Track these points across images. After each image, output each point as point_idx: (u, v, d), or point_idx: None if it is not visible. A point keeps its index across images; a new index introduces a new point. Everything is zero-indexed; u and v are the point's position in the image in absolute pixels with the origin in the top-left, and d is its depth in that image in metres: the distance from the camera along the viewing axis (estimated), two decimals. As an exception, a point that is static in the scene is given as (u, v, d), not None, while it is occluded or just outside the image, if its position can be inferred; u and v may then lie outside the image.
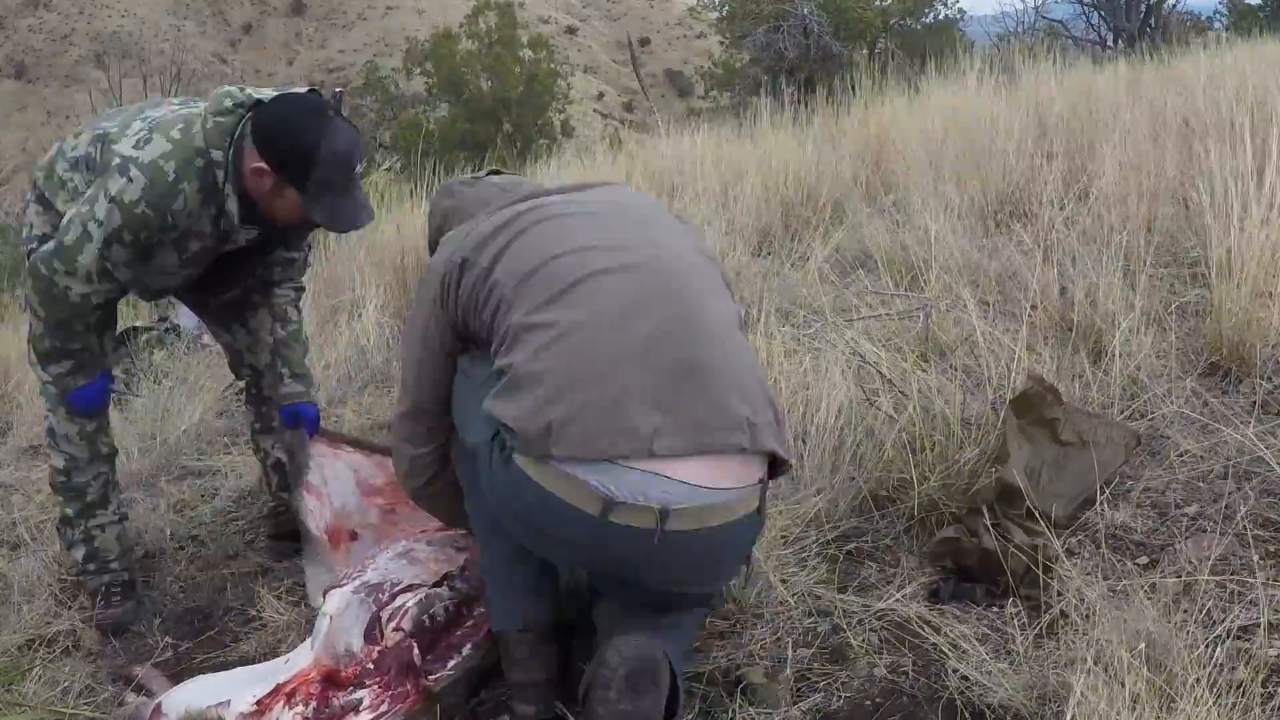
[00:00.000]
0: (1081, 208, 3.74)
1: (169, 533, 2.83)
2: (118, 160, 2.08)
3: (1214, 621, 1.69)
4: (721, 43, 21.95)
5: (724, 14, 19.86)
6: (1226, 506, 2.05)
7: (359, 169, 2.10)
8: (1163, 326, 2.71)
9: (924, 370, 2.54)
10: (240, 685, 1.84)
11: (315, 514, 2.32)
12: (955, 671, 1.72)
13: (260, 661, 2.13)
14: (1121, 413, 2.45)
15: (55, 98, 62.33)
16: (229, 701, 1.79)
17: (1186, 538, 2.00)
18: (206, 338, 4.58)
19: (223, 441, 3.53)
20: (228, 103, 2.09)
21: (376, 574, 1.94)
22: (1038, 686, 1.63)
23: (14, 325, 5.43)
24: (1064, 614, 1.75)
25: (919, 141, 4.93)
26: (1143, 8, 15.95)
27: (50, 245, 2.13)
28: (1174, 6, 16.39)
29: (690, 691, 1.81)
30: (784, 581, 2.08)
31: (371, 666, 1.79)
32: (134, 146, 2.08)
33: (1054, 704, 1.57)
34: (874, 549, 2.19)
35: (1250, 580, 1.80)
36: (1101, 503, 2.12)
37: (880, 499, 2.30)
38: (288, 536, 2.60)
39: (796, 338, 3.07)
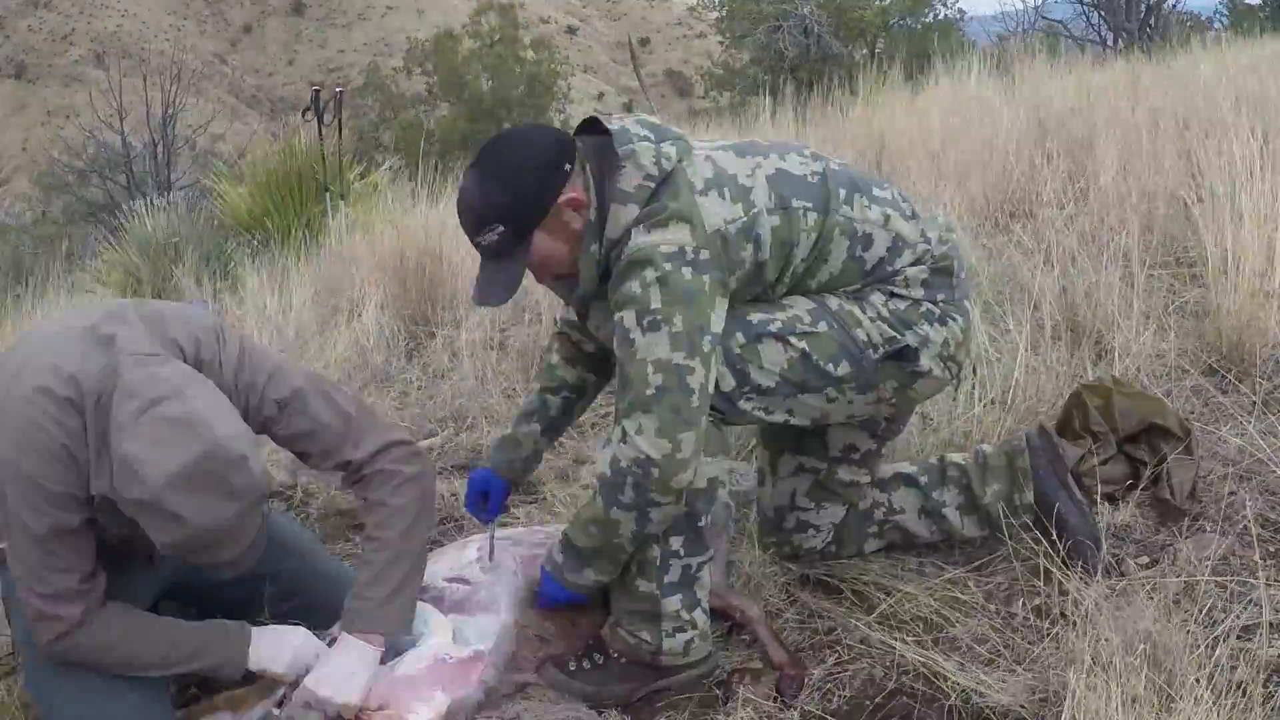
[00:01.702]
0: (1081, 208, 3.74)
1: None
2: None
3: (1214, 621, 1.69)
4: (721, 43, 21.94)
5: (724, 14, 19.85)
6: (1227, 506, 2.05)
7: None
8: (1163, 326, 2.71)
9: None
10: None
11: None
12: (956, 672, 1.72)
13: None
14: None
15: (55, 98, 62.33)
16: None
17: (1186, 538, 2.00)
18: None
19: (222, 441, 3.52)
20: None
21: None
22: (1038, 687, 1.63)
23: (13, 326, 5.43)
24: (1064, 614, 1.75)
25: (919, 141, 4.93)
26: (1143, 7, 15.95)
27: None
28: (1174, 6, 16.40)
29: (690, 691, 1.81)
30: (785, 583, 2.08)
31: None
32: None
33: (1054, 704, 1.57)
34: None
35: (1251, 580, 1.80)
36: (1102, 502, 2.12)
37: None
38: None
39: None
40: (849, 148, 5.34)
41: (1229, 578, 1.83)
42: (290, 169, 6.87)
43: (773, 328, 1.72)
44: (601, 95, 68.81)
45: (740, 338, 1.71)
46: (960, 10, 20.60)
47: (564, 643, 1.91)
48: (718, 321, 1.66)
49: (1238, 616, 1.70)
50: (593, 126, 1.81)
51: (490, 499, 2.05)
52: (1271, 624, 1.66)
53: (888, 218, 1.78)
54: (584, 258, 1.74)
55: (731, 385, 1.71)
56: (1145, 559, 1.98)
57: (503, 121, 24.97)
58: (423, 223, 4.54)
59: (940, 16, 20.11)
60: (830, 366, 1.73)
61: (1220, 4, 19.92)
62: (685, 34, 75.00)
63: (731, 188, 1.71)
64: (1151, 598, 1.71)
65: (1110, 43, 15.51)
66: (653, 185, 1.70)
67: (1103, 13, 16.24)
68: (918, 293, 1.78)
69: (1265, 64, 6.29)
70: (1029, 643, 1.77)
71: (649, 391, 1.62)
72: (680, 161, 1.72)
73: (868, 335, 1.75)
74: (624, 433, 1.64)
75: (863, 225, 1.76)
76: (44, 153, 26.40)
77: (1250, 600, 1.76)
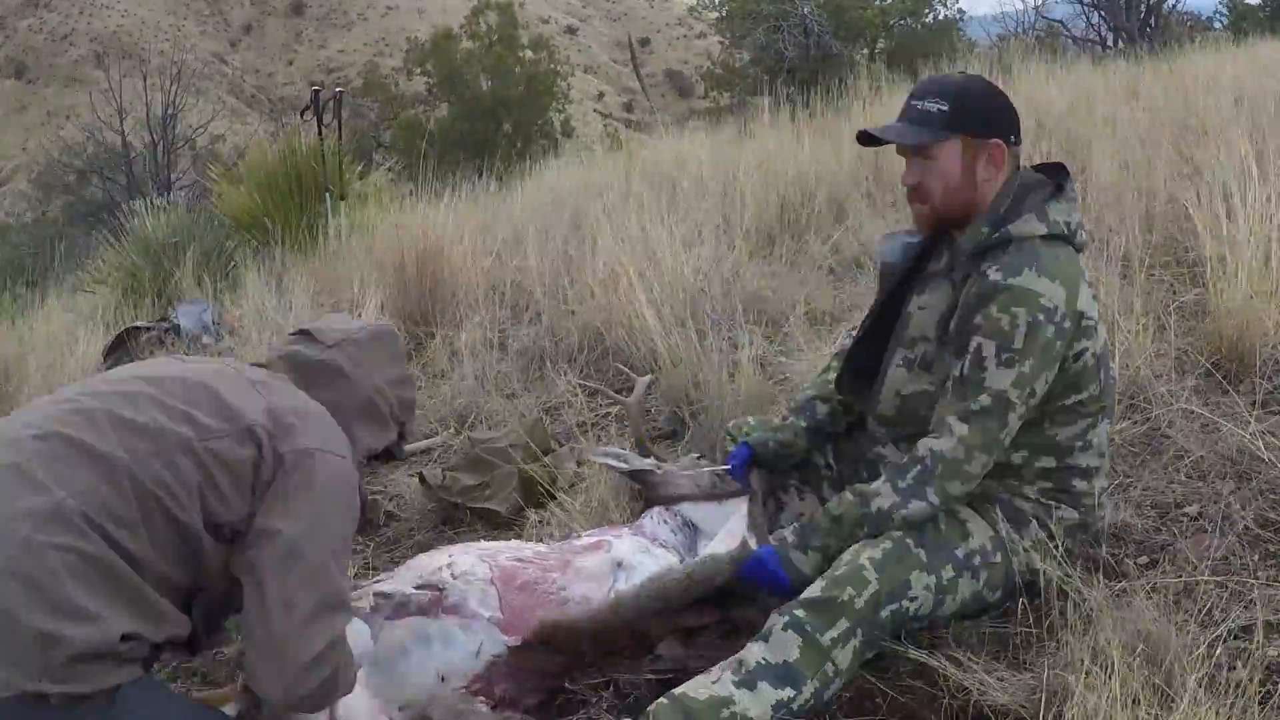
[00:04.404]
0: (1080, 207, 3.73)
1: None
2: None
3: (1214, 622, 1.69)
4: (721, 43, 21.94)
5: (724, 14, 19.85)
6: (1226, 506, 2.05)
7: None
8: (1162, 326, 2.71)
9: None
10: None
11: None
12: (956, 672, 1.72)
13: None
14: (1122, 413, 2.45)
15: (55, 98, 62.31)
16: None
17: (1186, 538, 2.00)
18: (206, 338, 4.58)
19: (222, 442, 3.52)
20: None
21: None
22: (1038, 687, 1.63)
23: (13, 325, 5.44)
24: (1064, 615, 1.75)
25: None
26: (1142, 8, 15.93)
27: None
28: (1174, 6, 16.37)
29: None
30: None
31: None
32: None
33: (1054, 704, 1.57)
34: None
35: (1251, 580, 1.80)
36: (1101, 502, 2.12)
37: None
38: None
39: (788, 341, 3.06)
40: (849, 147, 5.34)
41: (1229, 578, 1.83)
42: (290, 169, 6.87)
43: (975, 560, 1.81)
44: (601, 95, 68.76)
45: (950, 570, 1.79)
46: (960, 10, 20.61)
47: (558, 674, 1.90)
48: (1044, 384, 1.79)
49: (1237, 617, 1.70)
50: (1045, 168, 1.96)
51: (738, 466, 2.17)
52: (1270, 624, 1.66)
53: (1104, 454, 1.92)
54: (972, 229, 1.87)
55: (926, 611, 1.78)
56: (1145, 559, 1.98)
57: (502, 121, 24.93)
58: (422, 223, 4.54)
59: (940, 17, 20.13)
60: (988, 595, 1.84)
61: (1220, 4, 19.91)
62: (685, 34, 74.97)
63: (1096, 305, 1.88)
64: (1151, 598, 1.71)
65: (1110, 43, 15.51)
66: (1063, 233, 1.84)
67: (1103, 13, 16.22)
68: (1060, 533, 1.88)
69: (1265, 64, 6.29)
70: (1029, 643, 1.77)
71: (976, 408, 1.78)
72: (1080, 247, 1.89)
73: (1018, 566, 1.85)
74: (947, 426, 1.80)
75: (1095, 436, 1.89)
76: (44, 153, 26.37)
77: (1249, 600, 1.76)
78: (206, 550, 1.52)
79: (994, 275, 1.78)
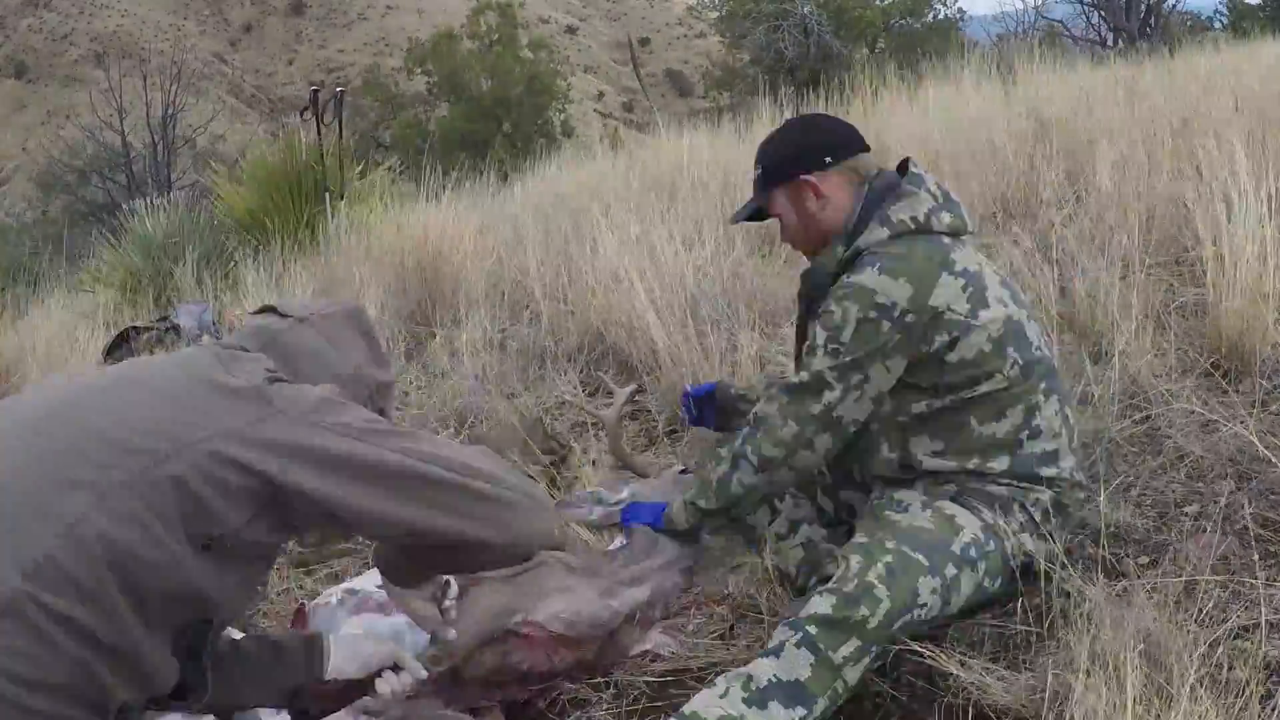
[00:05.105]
0: (1080, 208, 3.74)
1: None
2: None
3: (1214, 621, 1.69)
4: (721, 42, 21.97)
5: (724, 14, 19.87)
6: (1226, 506, 2.05)
7: None
8: (1163, 326, 2.71)
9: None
10: None
11: None
12: (956, 671, 1.72)
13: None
14: (1122, 412, 2.45)
15: (55, 98, 62.34)
16: None
17: (1186, 538, 2.00)
18: (206, 338, 4.58)
19: (222, 441, 3.53)
20: None
21: None
22: (1038, 687, 1.63)
23: (13, 325, 5.44)
24: (1064, 614, 1.75)
25: (918, 141, 4.93)
26: (1143, 8, 15.94)
27: None
28: (1174, 6, 16.41)
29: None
30: (782, 583, 2.08)
31: None
32: None
33: (1054, 705, 1.57)
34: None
35: (1250, 580, 1.80)
36: (1102, 502, 2.12)
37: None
38: None
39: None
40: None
41: (1229, 578, 1.83)
42: (290, 169, 6.87)
43: (973, 552, 1.81)
44: (601, 95, 68.79)
45: (952, 568, 1.78)
46: (960, 10, 20.65)
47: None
48: (879, 373, 1.84)
49: (1237, 616, 1.70)
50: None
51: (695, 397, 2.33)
52: (1270, 624, 1.66)
53: (1058, 434, 1.89)
54: (827, 251, 1.96)
55: (934, 614, 1.77)
56: (1145, 559, 1.98)
57: (502, 121, 24.95)
58: (422, 222, 4.54)
59: (940, 16, 20.16)
60: (989, 584, 1.83)
61: (1220, 4, 19.93)
62: (685, 34, 74.99)
63: (974, 294, 1.84)
64: (1151, 597, 1.71)
65: (1110, 43, 15.51)
66: (913, 228, 1.87)
67: (1103, 13, 16.24)
68: (1038, 515, 1.88)
69: (1265, 64, 6.29)
70: (1029, 642, 1.77)
71: (795, 381, 1.89)
72: (951, 236, 1.90)
73: (1011, 549, 1.85)
74: (770, 393, 1.94)
75: (1042, 419, 1.88)
76: (44, 153, 26.38)
77: (1250, 600, 1.76)
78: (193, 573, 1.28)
79: (843, 279, 1.87)
